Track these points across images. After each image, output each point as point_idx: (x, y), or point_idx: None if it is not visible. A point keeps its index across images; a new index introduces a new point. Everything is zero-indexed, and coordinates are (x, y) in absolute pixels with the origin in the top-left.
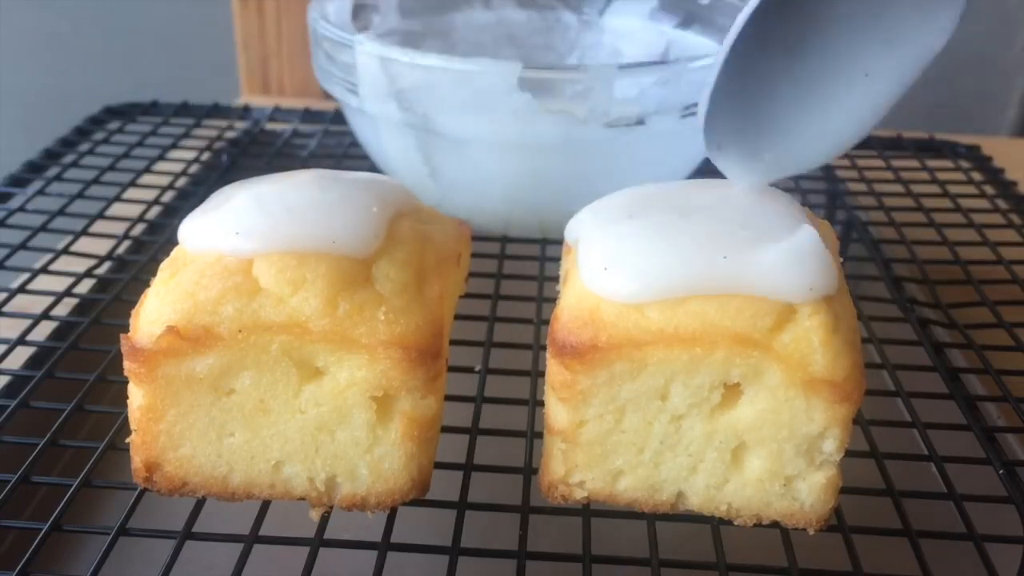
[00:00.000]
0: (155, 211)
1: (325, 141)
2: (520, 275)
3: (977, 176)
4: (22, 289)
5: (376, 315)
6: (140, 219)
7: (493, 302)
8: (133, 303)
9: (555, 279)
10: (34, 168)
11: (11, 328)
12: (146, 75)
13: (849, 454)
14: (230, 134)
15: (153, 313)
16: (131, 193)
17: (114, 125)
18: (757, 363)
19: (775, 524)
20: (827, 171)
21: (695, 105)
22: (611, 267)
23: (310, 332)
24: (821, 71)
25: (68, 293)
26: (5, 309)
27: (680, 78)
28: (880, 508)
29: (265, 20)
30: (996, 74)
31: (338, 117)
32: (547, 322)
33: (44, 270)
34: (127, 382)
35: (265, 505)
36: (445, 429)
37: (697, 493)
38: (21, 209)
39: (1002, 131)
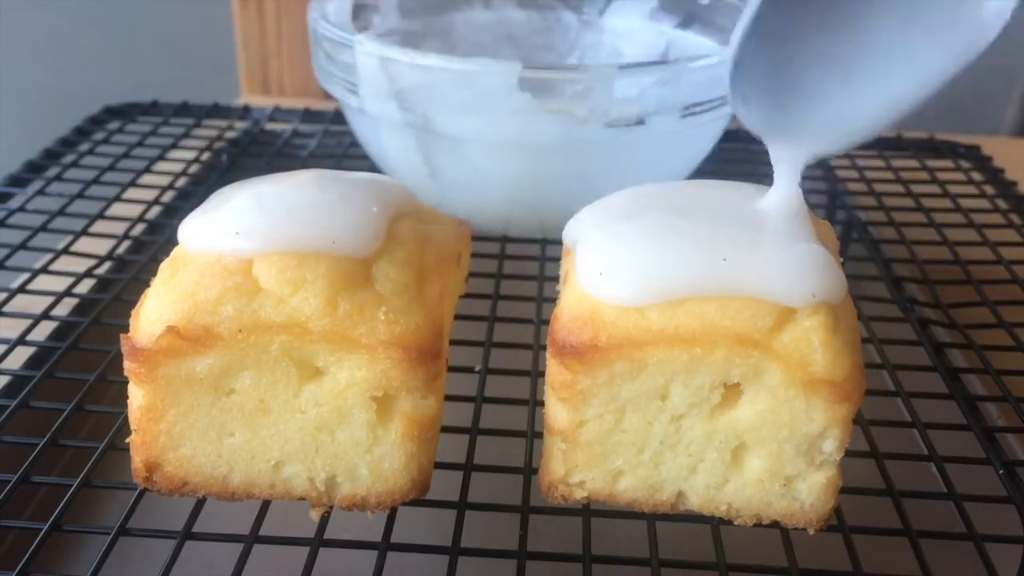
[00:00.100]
0: (155, 211)
1: (325, 141)
2: (520, 275)
3: (977, 176)
4: (22, 289)
5: (376, 315)
6: (140, 219)
7: (493, 302)
8: (133, 303)
9: (555, 279)
10: (34, 168)
11: (11, 328)
12: (146, 75)
13: (849, 454)
14: (230, 134)
15: (153, 313)
16: (131, 193)
17: (114, 125)
18: (757, 363)
19: (775, 524)
20: (827, 171)
21: (695, 105)
22: (606, 272)
23: (310, 332)
24: (859, 47)
25: (68, 293)
26: (5, 309)
27: (680, 78)
28: (880, 508)
29: (265, 20)
30: (996, 74)
31: (338, 117)
32: (547, 322)
33: (44, 270)
34: (127, 382)
35: (265, 505)
36: (445, 429)
37: (697, 493)
38: (21, 209)
39: (1002, 131)
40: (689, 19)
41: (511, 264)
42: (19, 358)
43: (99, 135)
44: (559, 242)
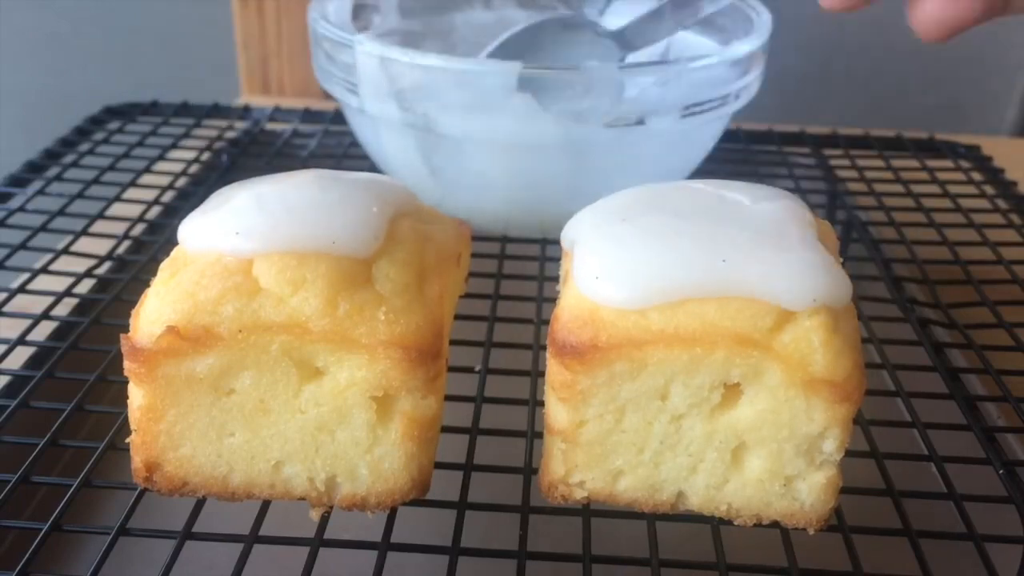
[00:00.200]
0: (155, 211)
1: (325, 141)
2: (520, 275)
3: (977, 176)
4: (22, 289)
5: (376, 315)
6: (140, 219)
7: (493, 302)
8: (133, 303)
9: (555, 279)
10: (34, 168)
11: (11, 328)
12: (146, 75)
13: (849, 454)
14: (230, 134)
15: (153, 313)
16: (131, 193)
17: (114, 125)
18: (757, 363)
19: (775, 524)
20: (827, 171)
21: (695, 105)
22: (602, 276)
23: (310, 332)
24: None
25: (68, 293)
26: (5, 309)
27: (680, 78)
28: (880, 508)
29: (265, 20)
30: (996, 74)
31: (338, 117)
32: (547, 322)
33: (44, 270)
34: (127, 382)
35: (265, 505)
36: (445, 429)
37: (697, 493)
38: (21, 209)
39: (1002, 131)
40: None
41: (511, 264)
42: (19, 358)
43: (99, 135)
44: (559, 242)
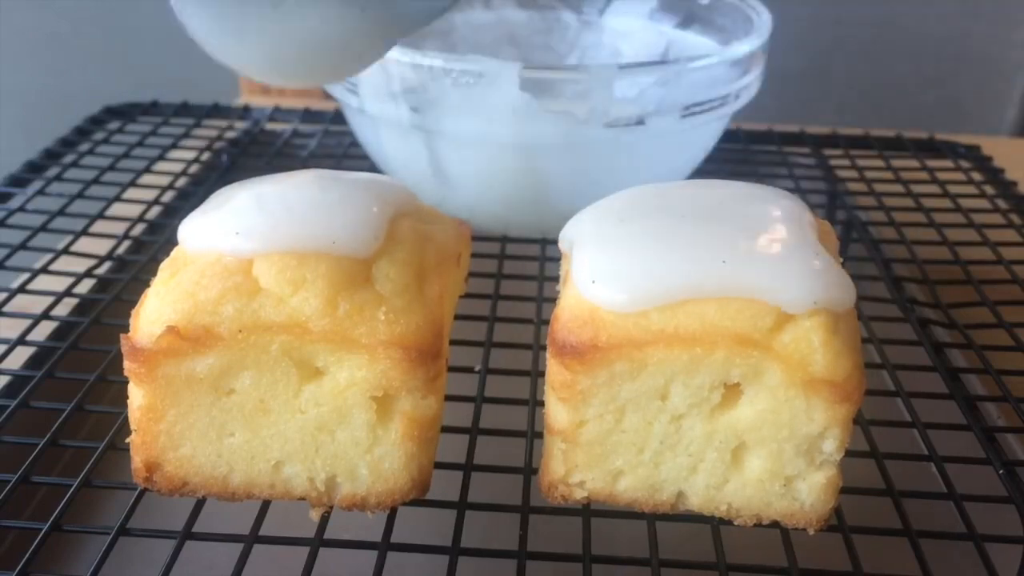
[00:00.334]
0: (155, 211)
1: (325, 141)
2: (520, 275)
3: (977, 176)
4: (22, 289)
5: (376, 315)
6: (140, 219)
7: (493, 302)
8: (133, 303)
9: (555, 279)
10: (34, 168)
11: (11, 328)
12: (146, 75)
13: (849, 454)
14: (230, 134)
15: (153, 313)
16: (131, 193)
17: (114, 125)
18: (757, 363)
19: (775, 524)
20: (827, 171)
21: (695, 105)
22: (599, 279)
23: (310, 332)
24: None
25: (68, 293)
26: (5, 309)
27: (680, 78)
28: (880, 508)
29: None
30: (996, 74)
31: (338, 117)
32: (547, 322)
33: (44, 270)
34: (127, 382)
35: (265, 505)
36: (445, 429)
37: (697, 493)
38: (21, 209)
39: (1002, 131)
40: (689, 19)
41: (511, 264)
42: (19, 358)
43: (99, 135)
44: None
